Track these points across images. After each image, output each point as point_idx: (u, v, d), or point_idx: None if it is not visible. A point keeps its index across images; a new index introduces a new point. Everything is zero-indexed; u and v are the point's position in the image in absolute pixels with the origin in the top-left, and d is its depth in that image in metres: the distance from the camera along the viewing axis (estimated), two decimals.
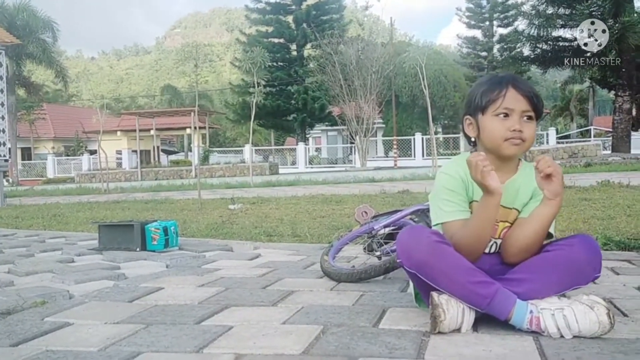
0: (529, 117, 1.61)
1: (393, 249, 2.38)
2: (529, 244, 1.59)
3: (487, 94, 1.64)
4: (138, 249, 3.36)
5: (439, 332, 1.47)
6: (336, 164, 29.69)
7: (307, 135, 33.85)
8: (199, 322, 1.70)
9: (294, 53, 32.20)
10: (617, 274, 2.29)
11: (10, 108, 19.45)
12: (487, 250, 1.66)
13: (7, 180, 22.81)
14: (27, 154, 37.16)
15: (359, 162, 25.14)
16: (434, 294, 1.49)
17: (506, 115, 1.61)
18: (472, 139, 1.70)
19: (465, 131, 1.73)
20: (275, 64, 30.59)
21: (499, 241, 1.67)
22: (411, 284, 1.75)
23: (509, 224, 1.66)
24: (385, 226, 2.48)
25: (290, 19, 32.00)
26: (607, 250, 2.87)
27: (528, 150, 1.78)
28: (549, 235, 1.64)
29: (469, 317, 1.51)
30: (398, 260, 1.61)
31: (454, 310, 1.48)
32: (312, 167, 27.19)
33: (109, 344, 1.51)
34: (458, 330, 1.49)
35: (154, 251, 3.33)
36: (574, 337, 1.41)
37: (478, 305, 1.49)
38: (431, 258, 1.51)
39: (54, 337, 1.60)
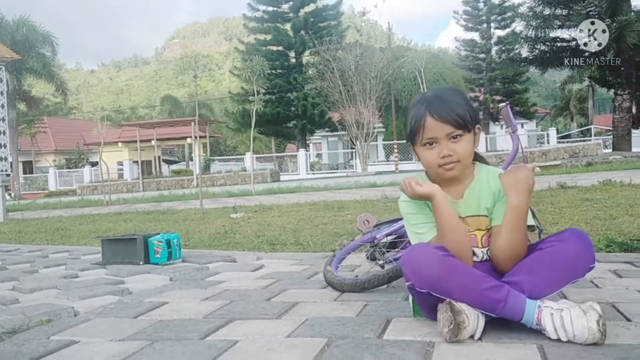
0: (457, 136, 1.62)
1: (396, 258, 2.39)
2: (512, 251, 1.61)
3: (409, 125, 1.68)
4: (141, 263, 3.36)
5: (456, 341, 1.47)
6: (337, 169, 29.71)
7: (308, 142, 33.89)
8: (204, 337, 1.71)
9: (293, 60, 32.29)
10: (620, 276, 2.29)
11: (11, 122, 19.54)
12: (479, 259, 1.69)
13: (9, 194, 22.84)
14: (28, 167, 37.25)
15: (360, 167, 25.17)
16: (452, 301, 1.49)
17: (432, 143, 1.64)
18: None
19: (412, 154, 1.77)
20: (274, 71, 30.67)
21: (485, 249, 1.69)
22: (411, 296, 1.75)
23: (484, 231, 1.69)
24: (387, 235, 2.49)
25: (288, 26, 32.12)
26: (609, 252, 2.87)
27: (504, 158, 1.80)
28: (531, 228, 1.67)
29: (482, 323, 1.52)
30: (408, 283, 1.60)
31: (473, 317, 1.49)
32: (313, 174, 27.21)
33: None
34: (472, 337, 1.49)
35: (157, 264, 3.34)
36: (578, 344, 1.40)
37: (493, 310, 1.50)
38: (443, 272, 1.51)
39: (60, 356, 1.61)
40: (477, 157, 1.76)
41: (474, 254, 1.68)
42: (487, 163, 1.79)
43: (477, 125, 1.68)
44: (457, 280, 1.51)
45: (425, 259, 1.55)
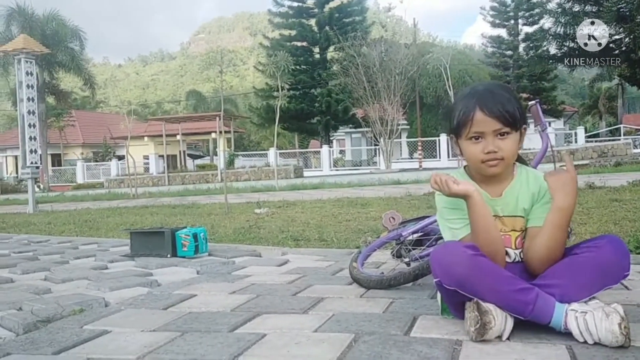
0: (505, 133, 1.60)
1: (422, 255, 2.39)
2: (549, 253, 1.59)
3: (457, 117, 1.65)
4: (169, 255, 3.42)
5: (483, 340, 1.47)
6: (360, 166, 29.64)
7: (331, 138, 33.87)
8: (232, 329, 1.74)
9: (317, 56, 32.27)
10: None
11: (40, 115, 19.91)
12: (511, 260, 1.67)
13: (39, 187, 23.31)
14: (57, 160, 37.93)
15: (383, 164, 25.08)
16: (479, 301, 1.49)
17: (478, 137, 1.62)
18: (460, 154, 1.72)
19: (453, 147, 1.74)
20: (298, 67, 30.64)
21: (518, 251, 1.68)
22: (439, 293, 1.75)
23: (519, 232, 1.68)
24: (413, 232, 2.49)
25: (312, 22, 32.10)
26: (639, 254, 2.83)
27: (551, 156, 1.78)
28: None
29: (510, 324, 1.51)
30: (436, 280, 1.60)
31: (500, 317, 1.49)
32: (336, 170, 27.19)
33: (146, 352, 1.55)
34: (499, 337, 1.49)
35: (184, 257, 3.39)
36: (603, 345, 1.40)
37: (521, 313, 1.49)
38: (472, 272, 1.51)
39: (94, 345, 1.66)
40: (518, 158, 1.74)
41: (507, 254, 1.67)
42: (527, 164, 1.77)
43: (524, 125, 1.66)
44: (485, 281, 1.50)
45: (454, 258, 1.54)
